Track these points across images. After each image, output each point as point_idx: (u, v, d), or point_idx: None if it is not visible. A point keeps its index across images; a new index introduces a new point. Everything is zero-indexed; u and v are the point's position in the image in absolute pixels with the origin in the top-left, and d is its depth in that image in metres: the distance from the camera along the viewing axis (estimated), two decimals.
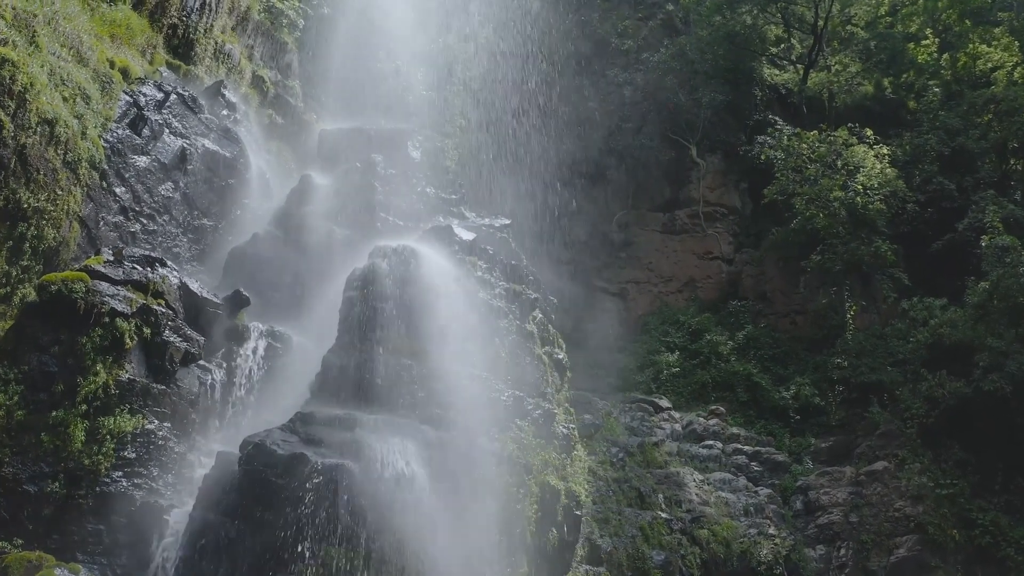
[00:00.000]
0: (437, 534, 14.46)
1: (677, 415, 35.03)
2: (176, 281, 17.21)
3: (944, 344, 30.75)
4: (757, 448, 32.74)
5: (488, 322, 18.18)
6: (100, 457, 14.70)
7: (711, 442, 32.88)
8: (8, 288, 16.25)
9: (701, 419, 34.37)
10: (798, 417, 34.22)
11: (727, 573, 26.71)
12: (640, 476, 28.78)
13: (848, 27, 46.99)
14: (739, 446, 32.78)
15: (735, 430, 33.82)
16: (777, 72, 46.52)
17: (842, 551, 28.16)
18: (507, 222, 22.36)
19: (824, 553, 28.35)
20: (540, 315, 20.81)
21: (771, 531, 28.40)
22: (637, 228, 44.40)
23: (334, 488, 13.56)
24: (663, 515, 27.03)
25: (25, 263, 16.53)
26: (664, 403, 35.54)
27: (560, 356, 21.42)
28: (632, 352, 39.62)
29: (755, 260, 41.65)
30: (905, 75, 43.81)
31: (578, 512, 18.00)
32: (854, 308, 35.54)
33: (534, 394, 18.73)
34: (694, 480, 29.55)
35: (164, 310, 16.32)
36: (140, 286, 16.22)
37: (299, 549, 13.38)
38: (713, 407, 35.25)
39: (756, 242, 42.61)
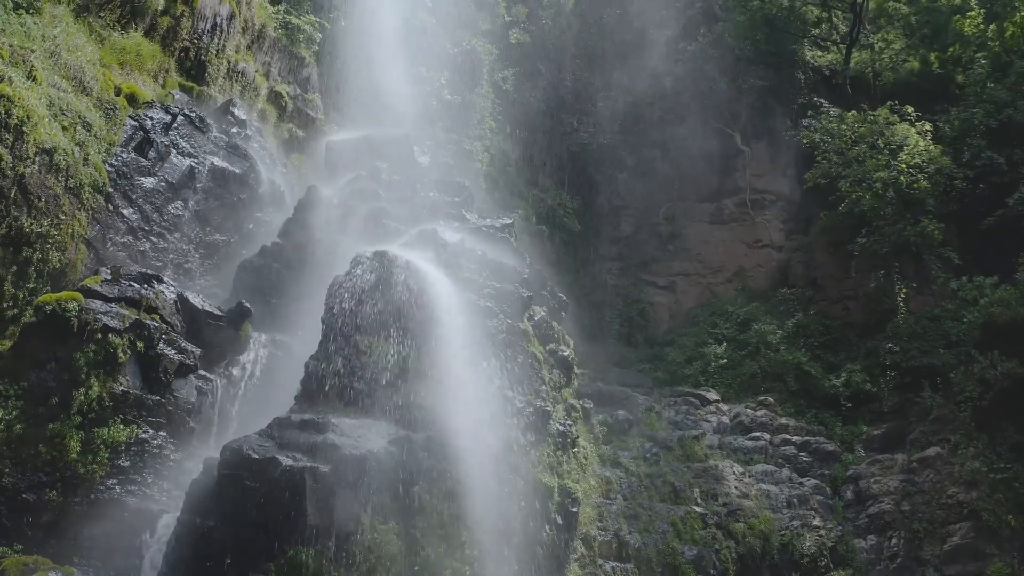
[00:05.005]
0: (413, 533, 14.72)
1: (725, 407, 34.58)
2: (173, 296, 17.93)
3: (996, 324, 29.57)
4: (806, 438, 32.11)
5: (475, 322, 18.32)
6: (95, 466, 15.50)
7: (758, 433, 32.39)
8: (16, 310, 17.23)
9: (749, 410, 33.87)
10: (849, 405, 33.44)
11: (767, 567, 26.28)
12: (676, 471, 28.51)
13: (890, 3, 45.37)
14: (788, 436, 32.25)
15: (784, 420, 33.24)
16: (820, 53, 45.38)
17: (894, 540, 27.50)
18: (508, 222, 22.43)
19: (875, 543, 27.71)
20: (543, 313, 20.82)
21: (815, 522, 27.85)
22: (684, 220, 44.00)
23: (302, 490, 13.96)
24: (697, 509, 26.73)
25: (31, 286, 17.49)
26: (712, 396, 35.13)
27: (565, 353, 21.39)
28: (680, 345, 39.28)
29: (804, 246, 40.81)
30: (951, 49, 42.17)
31: (574, 509, 17.98)
32: (904, 290, 34.45)
33: (527, 392, 18.80)
34: (734, 473, 29.10)
35: (158, 324, 17.04)
36: (133, 302, 16.98)
37: (271, 549, 13.82)
38: (762, 398, 34.73)
39: (806, 228, 41.77)
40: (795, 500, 28.71)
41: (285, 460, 14.26)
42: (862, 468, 29.94)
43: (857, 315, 37.47)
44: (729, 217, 43.50)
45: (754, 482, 29.22)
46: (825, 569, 26.53)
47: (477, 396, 17.34)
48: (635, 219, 44.44)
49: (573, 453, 20.34)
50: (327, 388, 16.24)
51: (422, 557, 14.66)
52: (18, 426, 15.30)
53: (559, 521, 17.72)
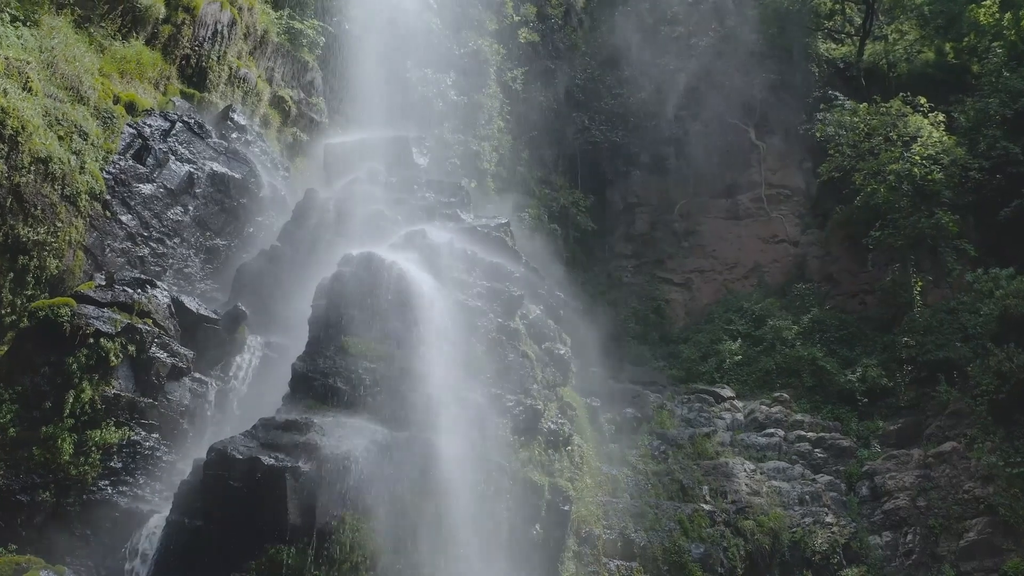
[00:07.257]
0: (395, 532, 14.82)
1: (739, 404, 34.36)
2: (167, 300, 18.19)
3: (1012, 316, 29.13)
4: (821, 434, 31.83)
5: (463, 321, 18.39)
6: (87, 468, 15.76)
7: (772, 430, 32.13)
8: (14, 316, 17.58)
9: (764, 407, 33.63)
10: (865, 400, 33.09)
11: (776, 564, 26.08)
12: (685, 468, 28.42)
13: None
14: (802, 433, 31.98)
15: (799, 416, 32.95)
16: (834, 46, 44.98)
17: (909, 537, 27.27)
18: (504, 221, 22.46)
19: (890, 539, 27.50)
20: (538, 311, 20.83)
21: (828, 519, 27.64)
22: (699, 216, 43.81)
23: (283, 489, 14.12)
24: (705, 507, 26.63)
25: (29, 292, 17.84)
26: (726, 392, 34.93)
27: (561, 351, 21.38)
28: (695, 342, 39.13)
29: (820, 241, 40.48)
30: (966, 38, 41.55)
31: (565, 507, 17.96)
32: (920, 284, 33.98)
33: (516, 391, 18.81)
34: (745, 470, 28.93)
35: (150, 328, 17.29)
36: (126, 307, 17.24)
37: (253, 548, 14.01)
38: (777, 394, 34.47)
39: (822, 222, 41.44)
40: (807, 497, 28.47)
41: (267, 460, 14.45)
42: (878, 464, 29.69)
43: (873, 309, 37.11)
44: (744, 213, 43.23)
45: (765, 479, 29.02)
46: (838, 566, 26.29)
47: (463, 395, 17.39)
48: (650, 216, 44.32)
49: (567, 451, 20.32)
50: (313, 388, 16.39)
51: (405, 555, 14.75)
52: (12, 429, 15.62)
53: (550, 520, 17.70)
